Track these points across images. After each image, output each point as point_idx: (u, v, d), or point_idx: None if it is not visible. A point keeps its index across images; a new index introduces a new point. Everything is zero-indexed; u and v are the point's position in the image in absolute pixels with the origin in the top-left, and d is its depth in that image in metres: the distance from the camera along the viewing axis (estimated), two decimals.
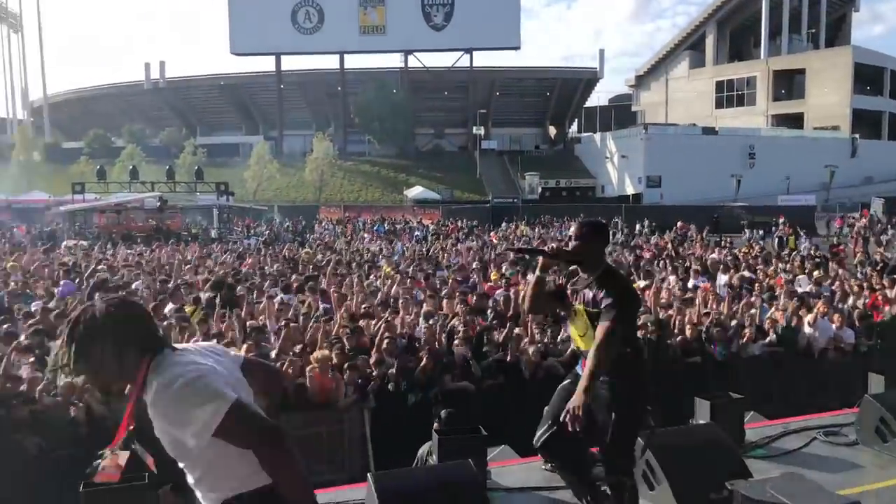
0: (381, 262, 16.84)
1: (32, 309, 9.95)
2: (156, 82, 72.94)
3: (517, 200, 49.48)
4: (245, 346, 7.33)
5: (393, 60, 70.20)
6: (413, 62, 68.95)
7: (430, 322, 8.85)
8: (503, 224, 34.24)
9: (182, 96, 74.54)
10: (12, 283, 12.37)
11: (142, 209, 32.59)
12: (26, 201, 45.65)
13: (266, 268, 15.41)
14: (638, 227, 32.84)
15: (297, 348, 7.65)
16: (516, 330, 8.56)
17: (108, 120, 74.03)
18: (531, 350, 7.92)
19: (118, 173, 47.32)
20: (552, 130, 76.14)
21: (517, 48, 68.48)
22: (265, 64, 69.78)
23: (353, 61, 69.12)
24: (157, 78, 73.01)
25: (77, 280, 12.88)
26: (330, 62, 69.27)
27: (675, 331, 9.07)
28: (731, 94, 68.22)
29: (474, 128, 61.92)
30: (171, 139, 65.34)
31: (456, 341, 7.94)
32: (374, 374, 7.44)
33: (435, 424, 5.17)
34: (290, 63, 69.80)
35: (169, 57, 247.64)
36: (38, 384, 6.53)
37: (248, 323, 8.90)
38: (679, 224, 29.97)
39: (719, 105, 68.41)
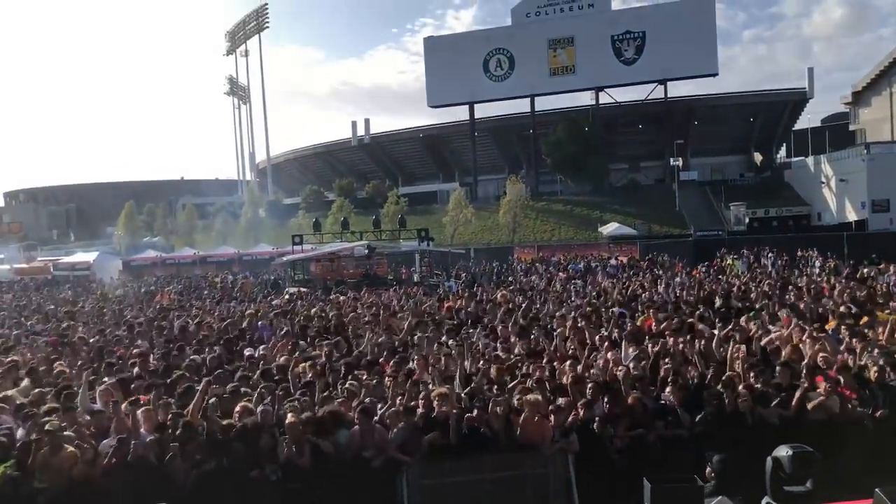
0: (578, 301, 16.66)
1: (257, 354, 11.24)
2: (361, 138, 78.79)
3: (722, 233, 46.75)
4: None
5: (583, 99, 70.29)
6: (604, 98, 68.45)
7: (640, 364, 8.60)
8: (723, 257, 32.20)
9: (385, 150, 79.77)
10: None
11: (352, 257, 34.94)
12: (254, 254, 50.97)
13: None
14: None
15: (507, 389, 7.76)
16: (727, 373, 8.04)
17: (321, 176, 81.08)
18: (749, 397, 7.38)
19: (331, 224, 51.36)
20: (758, 157, 71.43)
21: (714, 75, 65.63)
22: (460, 113, 72.92)
23: (544, 103, 70.15)
24: (362, 134, 78.86)
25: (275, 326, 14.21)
26: (521, 106, 70.88)
27: None
28: None
29: (671, 159, 59.77)
30: (376, 191, 69.93)
31: (668, 388, 7.62)
32: (579, 417, 7.32)
33: (707, 469, 5.02)
34: (483, 110, 72.41)
35: (372, 114, 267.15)
36: (269, 419, 7.21)
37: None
38: None
39: None
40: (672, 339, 10.07)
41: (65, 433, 6.85)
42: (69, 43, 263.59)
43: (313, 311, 17.53)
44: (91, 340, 13.46)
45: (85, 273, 45.44)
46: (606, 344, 10.06)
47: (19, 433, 7.18)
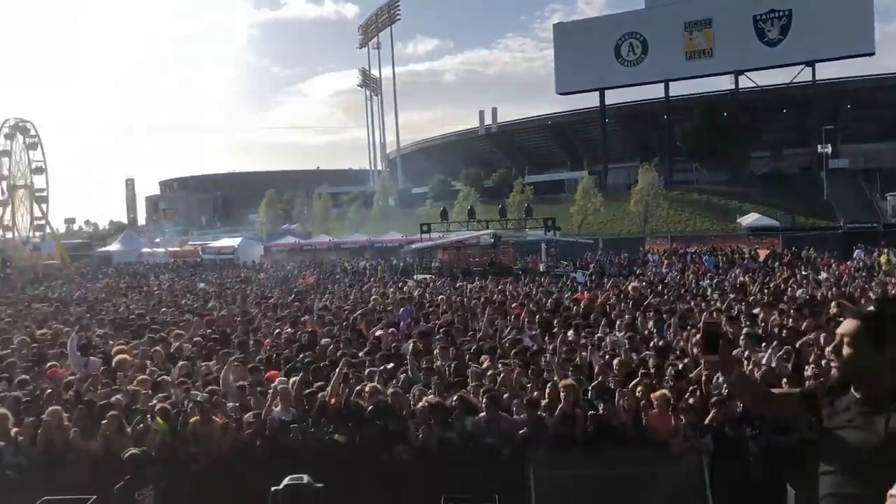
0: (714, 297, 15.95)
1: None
2: (488, 127, 79.01)
3: (877, 225, 43.15)
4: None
5: (722, 83, 66.92)
6: (744, 82, 64.82)
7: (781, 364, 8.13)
8: (856, 252, 30.13)
9: (512, 139, 79.61)
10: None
11: (478, 245, 35.24)
12: (385, 241, 52.50)
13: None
14: None
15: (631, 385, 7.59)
16: None
17: (449, 166, 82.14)
18: None
19: (457, 213, 51.94)
20: None
21: (871, 54, 60.36)
22: (589, 100, 71.48)
23: (679, 88, 67.38)
24: (489, 123, 79.05)
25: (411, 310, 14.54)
26: (653, 92, 68.45)
27: None
28: None
29: (819, 146, 55.74)
30: (503, 180, 69.98)
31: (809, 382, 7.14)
32: (714, 417, 7.02)
33: None
34: (613, 97, 70.53)
35: (499, 102, 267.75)
36: (401, 401, 7.46)
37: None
38: None
39: None
40: (820, 337, 9.42)
41: (212, 406, 7.44)
42: (214, 45, 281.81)
43: (439, 298, 17.86)
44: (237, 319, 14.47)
45: (229, 257, 48.64)
46: (745, 342, 9.56)
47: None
